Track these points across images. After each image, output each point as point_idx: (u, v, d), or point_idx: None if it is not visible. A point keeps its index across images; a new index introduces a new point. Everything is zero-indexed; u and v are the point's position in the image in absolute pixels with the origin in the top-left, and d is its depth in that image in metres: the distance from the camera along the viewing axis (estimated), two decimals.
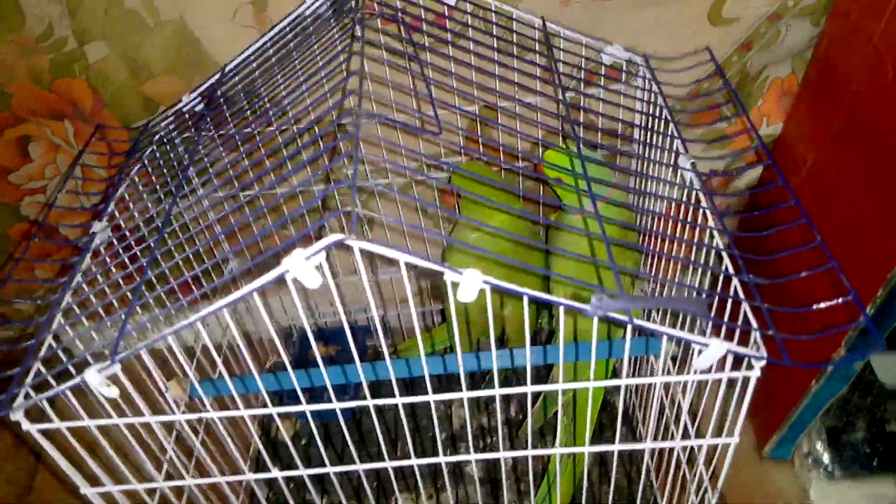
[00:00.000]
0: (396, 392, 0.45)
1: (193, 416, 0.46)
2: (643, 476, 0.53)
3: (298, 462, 0.50)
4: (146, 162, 0.63)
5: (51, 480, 0.86)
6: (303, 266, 0.35)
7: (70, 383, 0.41)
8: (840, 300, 0.43)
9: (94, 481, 0.49)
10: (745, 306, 0.44)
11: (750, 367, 0.42)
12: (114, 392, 0.41)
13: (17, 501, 0.84)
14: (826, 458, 0.78)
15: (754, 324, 0.43)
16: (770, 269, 0.47)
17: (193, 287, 0.46)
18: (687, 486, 0.56)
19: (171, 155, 0.65)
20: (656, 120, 0.62)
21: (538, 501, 0.68)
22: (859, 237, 0.61)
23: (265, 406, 0.46)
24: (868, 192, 0.59)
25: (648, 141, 0.64)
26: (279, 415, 0.48)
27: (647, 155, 0.66)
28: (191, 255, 0.55)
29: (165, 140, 0.64)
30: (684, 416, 0.49)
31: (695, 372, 0.42)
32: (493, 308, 0.39)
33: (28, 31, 0.61)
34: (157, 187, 0.64)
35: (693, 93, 0.70)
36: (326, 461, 0.50)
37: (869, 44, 0.58)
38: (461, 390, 0.44)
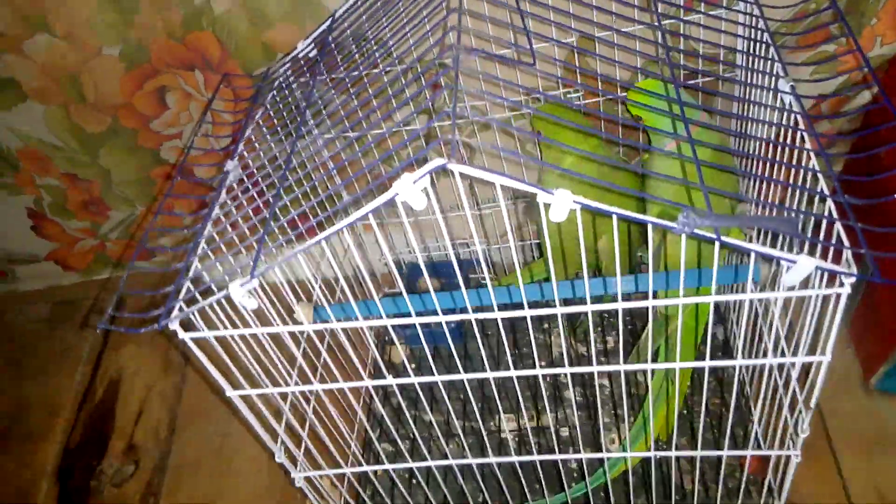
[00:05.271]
0: (496, 308, 0.49)
1: (321, 326, 0.52)
2: (734, 396, 0.54)
3: (410, 372, 0.56)
4: (268, 106, 0.69)
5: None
6: (411, 189, 0.39)
7: (217, 296, 0.48)
8: None
9: (236, 386, 0.57)
10: (837, 225, 0.45)
11: (841, 284, 0.43)
12: (253, 304, 0.48)
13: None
14: None
15: (846, 242, 0.44)
16: (873, 192, 0.47)
17: (310, 215, 0.52)
18: (782, 405, 0.58)
19: (290, 99, 0.71)
20: (758, 44, 0.61)
21: (636, 427, 0.71)
22: None
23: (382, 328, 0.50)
24: None
25: (749, 66, 0.64)
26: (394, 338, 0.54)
27: (747, 80, 0.65)
28: (308, 189, 0.61)
29: (284, 85, 0.70)
30: (774, 332, 0.51)
31: (784, 289, 0.44)
32: (586, 241, 0.42)
33: None
34: (279, 129, 0.71)
35: (800, 13, 0.68)
36: (434, 371, 0.55)
37: None
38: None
